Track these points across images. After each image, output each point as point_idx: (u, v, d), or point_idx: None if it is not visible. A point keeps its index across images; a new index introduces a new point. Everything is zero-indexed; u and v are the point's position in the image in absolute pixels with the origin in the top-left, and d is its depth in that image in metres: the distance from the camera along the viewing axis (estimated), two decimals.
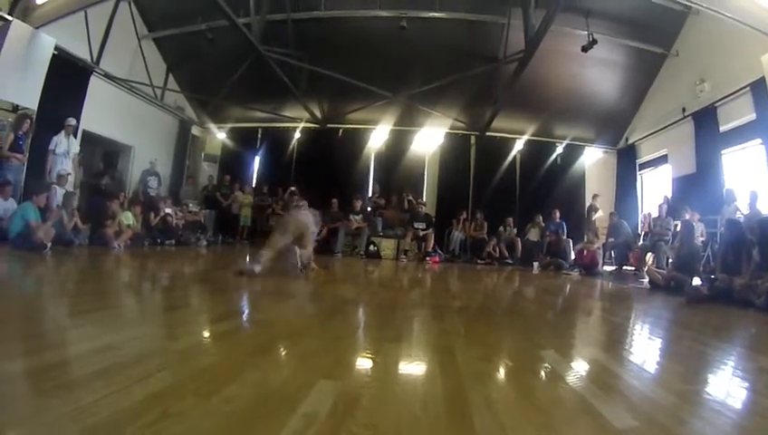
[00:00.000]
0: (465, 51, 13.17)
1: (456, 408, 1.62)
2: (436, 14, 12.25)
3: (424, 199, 15.18)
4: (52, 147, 9.68)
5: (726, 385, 2.27)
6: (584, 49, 11.22)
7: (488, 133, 15.75)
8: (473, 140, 16.32)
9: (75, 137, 10.33)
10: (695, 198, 10.66)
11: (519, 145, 16.06)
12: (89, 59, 11.57)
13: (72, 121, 10.08)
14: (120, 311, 3.34)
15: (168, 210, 12.19)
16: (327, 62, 13.29)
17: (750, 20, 8.44)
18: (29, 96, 9.58)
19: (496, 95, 13.29)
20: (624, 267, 11.58)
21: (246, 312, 3.74)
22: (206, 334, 2.76)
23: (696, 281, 7.34)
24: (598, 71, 13.46)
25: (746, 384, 2.30)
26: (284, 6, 12.10)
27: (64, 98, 10.60)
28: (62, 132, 9.88)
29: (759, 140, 9.72)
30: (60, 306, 3.36)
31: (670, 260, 9.36)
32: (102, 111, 12.25)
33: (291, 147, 16.85)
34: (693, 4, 8.93)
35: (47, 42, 9.87)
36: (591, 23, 11.39)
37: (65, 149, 9.92)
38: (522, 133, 15.91)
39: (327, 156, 16.05)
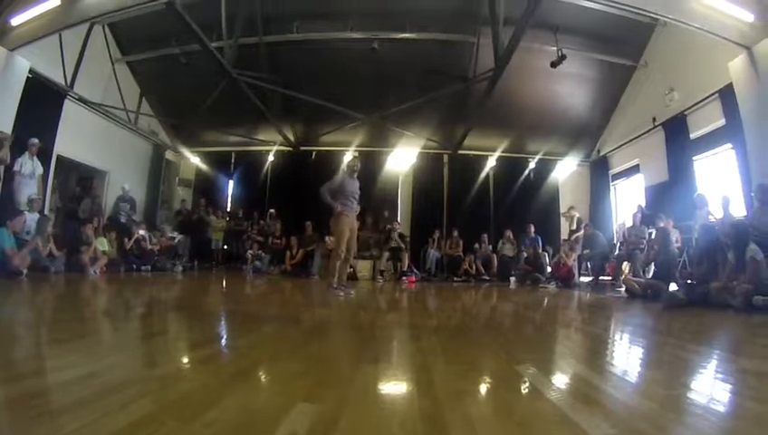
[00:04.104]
0: (437, 71, 13.24)
1: (434, 426, 1.59)
2: (406, 35, 12.32)
3: (398, 219, 15.23)
4: (17, 168, 9.43)
5: (708, 389, 2.25)
6: (553, 64, 11.37)
7: (461, 151, 15.90)
8: (446, 158, 16.48)
9: (39, 158, 10.00)
10: (668, 206, 10.80)
11: (492, 162, 16.22)
12: (63, 83, 11.48)
13: (35, 141, 9.77)
14: (99, 338, 3.27)
15: (142, 232, 12.09)
16: (299, 84, 13.35)
17: (715, 29, 8.60)
18: (3, 120, 9.34)
19: (468, 114, 13.37)
20: (601, 278, 11.64)
21: (225, 337, 3.69)
22: (186, 360, 2.71)
23: (673, 287, 7.41)
24: (568, 85, 13.65)
25: (728, 387, 2.29)
26: (257, 30, 12.11)
27: (38, 122, 10.39)
28: (26, 153, 9.61)
29: (729, 145, 9.91)
30: (39, 334, 3.31)
31: (646, 268, 9.48)
32: (77, 136, 12.08)
33: (265, 170, 16.88)
34: (659, 16, 9.08)
35: (22, 65, 9.74)
36: (560, 38, 11.54)
37: (30, 171, 9.67)
38: (494, 150, 16.07)
39: (301, 179, 15.95)
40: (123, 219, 13.07)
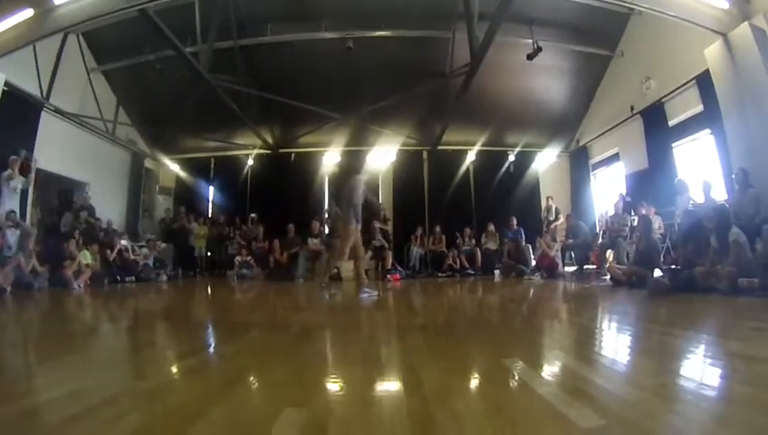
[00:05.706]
0: (413, 68, 13.26)
1: (422, 425, 1.58)
2: (381, 33, 12.29)
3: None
4: (3, 183, 9.36)
5: (696, 374, 2.25)
6: (529, 57, 11.41)
7: (440, 147, 15.94)
8: (425, 155, 16.52)
9: (21, 173, 9.86)
10: (649, 193, 10.94)
11: (471, 156, 16.29)
12: (39, 94, 11.33)
13: (15, 157, 9.68)
14: (87, 354, 3.21)
15: (124, 242, 11.95)
16: (276, 87, 13.30)
17: (690, 16, 8.69)
18: None
19: (446, 109, 13.37)
20: (585, 267, 11.69)
21: (213, 345, 3.65)
22: (174, 371, 2.67)
23: (657, 273, 7.45)
24: (545, 77, 13.71)
25: (716, 371, 2.30)
26: (231, 34, 12.00)
27: (16, 135, 10.29)
28: (9, 169, 9.50)
29: (708, 130, 10.04)
30: (26, 352, 3.29)
31: (630, 255, 9.51)
32: (55, 148, 11.90)
33: (244, 175, 16.76)
34: (634, 6, 9.14)
35: None
36: (536, 31, 11.58)
37: (14, 186, 9.59)
38: (473, 145, 16.13)
39: (281, 181, 16.01)
40: (82, 227, 12.61)
